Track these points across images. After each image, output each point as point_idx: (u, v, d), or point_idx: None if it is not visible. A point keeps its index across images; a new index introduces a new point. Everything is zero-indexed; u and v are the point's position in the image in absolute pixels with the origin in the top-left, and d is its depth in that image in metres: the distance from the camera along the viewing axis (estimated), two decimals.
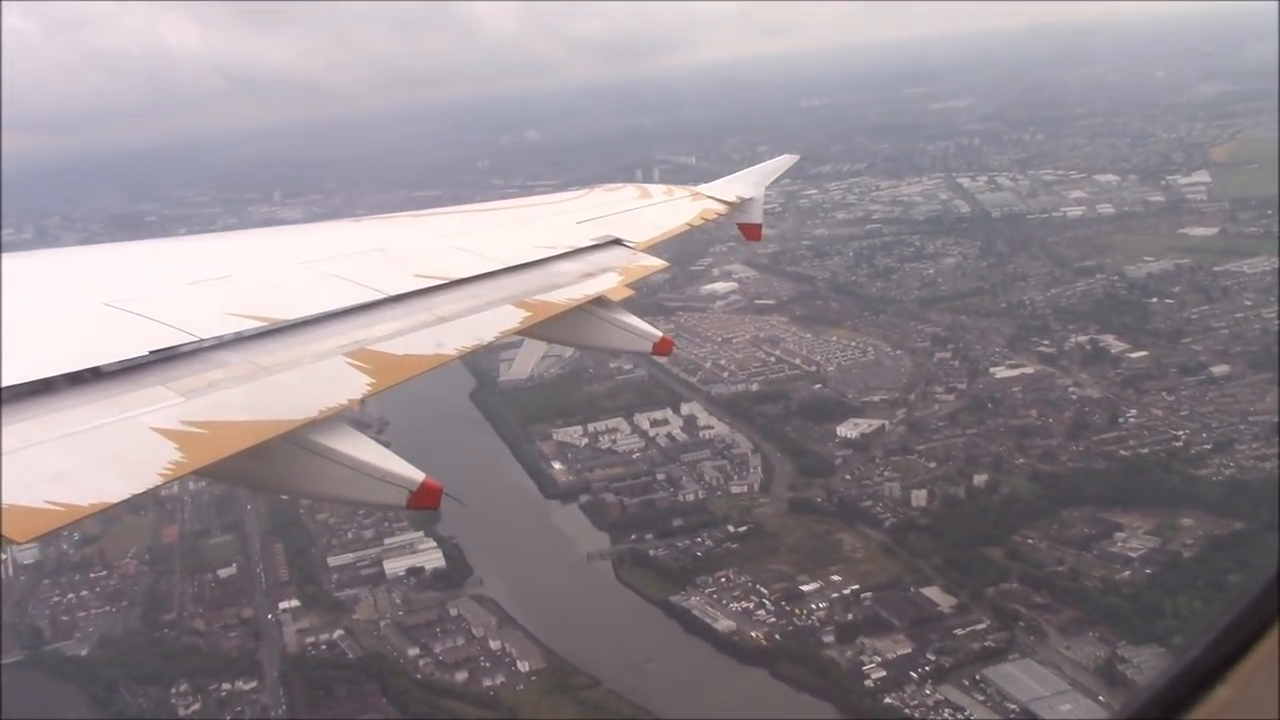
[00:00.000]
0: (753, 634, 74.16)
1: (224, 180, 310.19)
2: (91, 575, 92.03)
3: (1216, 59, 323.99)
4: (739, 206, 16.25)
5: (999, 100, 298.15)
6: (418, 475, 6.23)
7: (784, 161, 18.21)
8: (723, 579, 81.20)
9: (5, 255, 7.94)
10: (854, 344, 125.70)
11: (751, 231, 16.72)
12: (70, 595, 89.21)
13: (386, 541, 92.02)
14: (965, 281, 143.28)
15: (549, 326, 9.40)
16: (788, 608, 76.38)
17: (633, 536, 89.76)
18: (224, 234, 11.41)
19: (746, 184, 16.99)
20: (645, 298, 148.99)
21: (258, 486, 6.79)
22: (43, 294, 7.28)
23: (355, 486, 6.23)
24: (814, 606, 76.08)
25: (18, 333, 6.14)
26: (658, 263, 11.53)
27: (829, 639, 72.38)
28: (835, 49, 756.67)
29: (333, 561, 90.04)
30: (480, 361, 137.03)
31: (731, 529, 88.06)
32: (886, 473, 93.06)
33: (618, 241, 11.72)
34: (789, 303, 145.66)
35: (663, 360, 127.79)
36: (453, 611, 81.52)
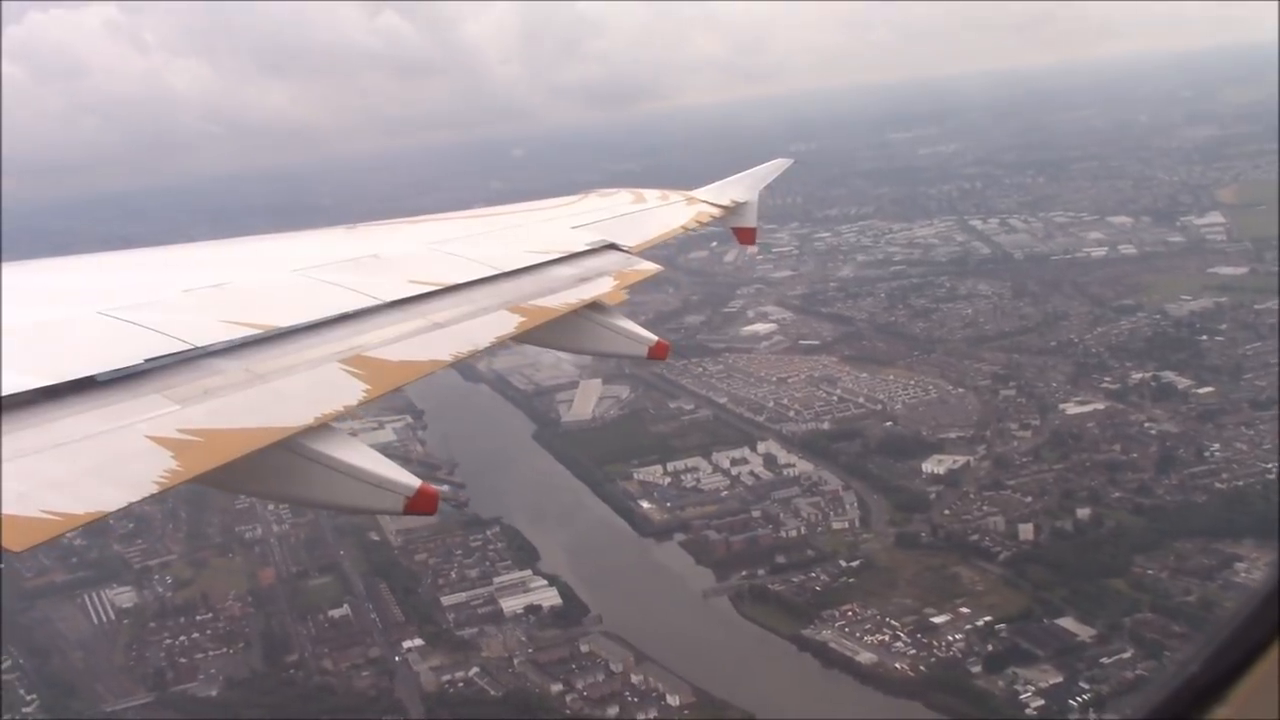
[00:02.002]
0: (896, 666, 75.43)
1: (216, 225, 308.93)
2: (197, 618, 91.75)
3: (1195, 104, 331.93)
4: (733, 210, 16.09)
5: (988, 145, 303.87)
6: (414, 481, 6.36)
7: (777, 165, 17.85)
8: (849, 613, 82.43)
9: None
10: (913, 382, 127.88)
11: (746, 235, 16.58)
12: (181, 638, 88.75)
13: (495, 581, 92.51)
14: (1007, 321, 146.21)
15: (544, 331, 9.47)
16: (924, 640, 77.79)
17: (743, 572, 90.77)
18: (218, 242, 11.35)
19: (740, 188, 16.72)
20: (686, 339, 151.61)
21: (255, 494, 6.86)
22: (37, 303, 7.25)
23: (352, 493, 6.31)
24: (950, 639, 77.45)
25: (12, 341, 6.17)
26: (653, 267, 11.65)
27: (975, 669, 73.86)
28: (813, 94, 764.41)
29: (446, 601, 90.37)
30: (535, 403, 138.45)
31: (844, 564, 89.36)
32: (984, 507, 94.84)
33: (613, 246, 11.84)
34: (834, 343, 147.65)
35: (723, 400, 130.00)
36: (584, 648, 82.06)
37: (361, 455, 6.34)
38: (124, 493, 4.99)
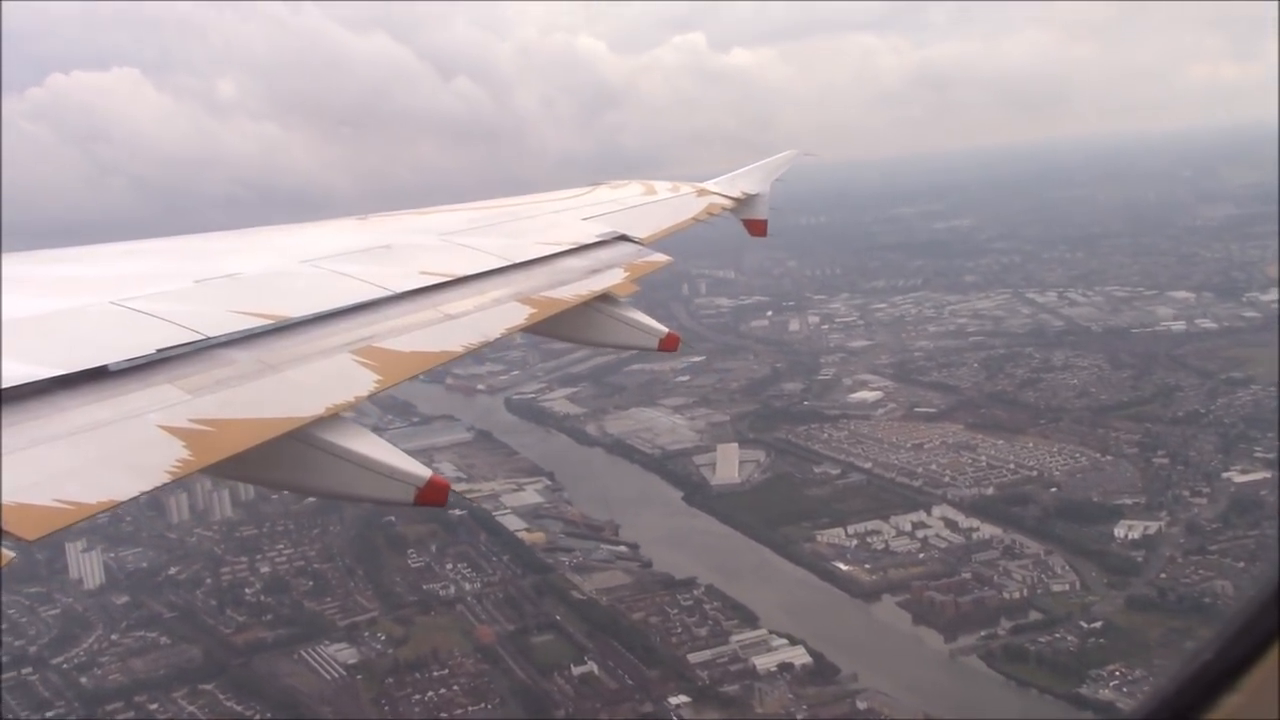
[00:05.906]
0: None
1: None
2: (434, 674, 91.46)
3: (1199, 182, 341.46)
4: (744, 202, 16.35)
5: (1002, 220, 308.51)
6: (425, 472, 6.48)
7: (788, 157, 18.47)
8: (1116, 672, 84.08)
9: (9, 255, 8.18)
10: (1056, 450, 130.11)
11: (756, 227, 16.77)
12: (429, 693, 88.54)
13: (732, 639, 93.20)
14: (1119, 392, 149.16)
15: (555, 323, 9.59)
16: None
17: (981, 633, 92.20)
18: (229, 232, 11.37)
19: (752, 180, 17.04)
20: (792, 405, 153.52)
21: (266, 484, 7.03)
22: (49, 293, 7.35)
23: (363, 483, 6.41)
24: None
25: (24, 332, 6.25)
26: (664, 258, 11.80)
27: None
28: (808, 168, 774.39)
29: (692, 659, 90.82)
30: (668, 466, 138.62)
31: (1084, 625, 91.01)
32: (1200, 571, 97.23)
33: (624, 237, 12.01)
34: (951, 411, 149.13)
35: (867, 465, 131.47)
36: (861, 705, 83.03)
37: (373, 445, 6.47)
38: (136, 482, 5.12)
